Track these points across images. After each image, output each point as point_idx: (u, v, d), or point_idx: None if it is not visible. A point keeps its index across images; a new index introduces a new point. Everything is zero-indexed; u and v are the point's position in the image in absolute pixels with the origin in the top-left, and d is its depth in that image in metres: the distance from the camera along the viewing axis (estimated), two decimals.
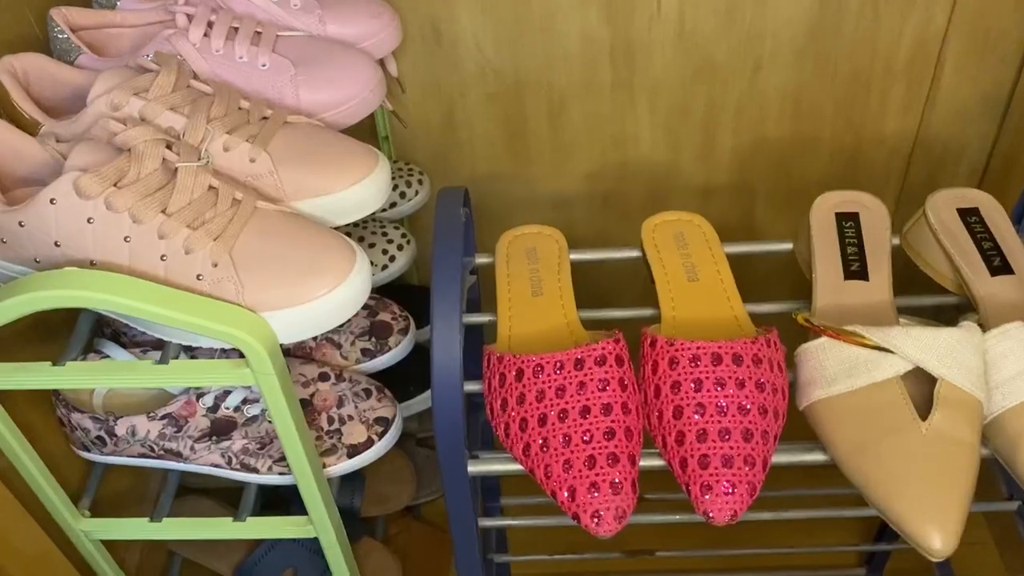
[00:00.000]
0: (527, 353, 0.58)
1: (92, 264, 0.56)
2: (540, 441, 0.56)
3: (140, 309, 0.53)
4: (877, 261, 0.66)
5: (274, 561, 0.83)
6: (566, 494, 0.54)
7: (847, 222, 0.68)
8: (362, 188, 0.63)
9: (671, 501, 0.65)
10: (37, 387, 0.62)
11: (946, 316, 0.67)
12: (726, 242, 0.69)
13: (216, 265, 0.56)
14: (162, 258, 0.55)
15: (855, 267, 0.65)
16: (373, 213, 0.66)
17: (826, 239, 0.68)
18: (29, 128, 0.62)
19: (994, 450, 0.57)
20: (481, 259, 0.71)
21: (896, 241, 0.69)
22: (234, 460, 0.68)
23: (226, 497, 0.85)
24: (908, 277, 0.69)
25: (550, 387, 0.56)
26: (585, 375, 0.56)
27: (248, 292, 0.56)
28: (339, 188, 0.62)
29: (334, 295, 0.57)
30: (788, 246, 0.71)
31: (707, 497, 0.53)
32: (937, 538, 0.52)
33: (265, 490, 0.71)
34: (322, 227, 0.60)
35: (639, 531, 0.61)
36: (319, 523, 0.67)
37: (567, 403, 0.56)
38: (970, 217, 0.67)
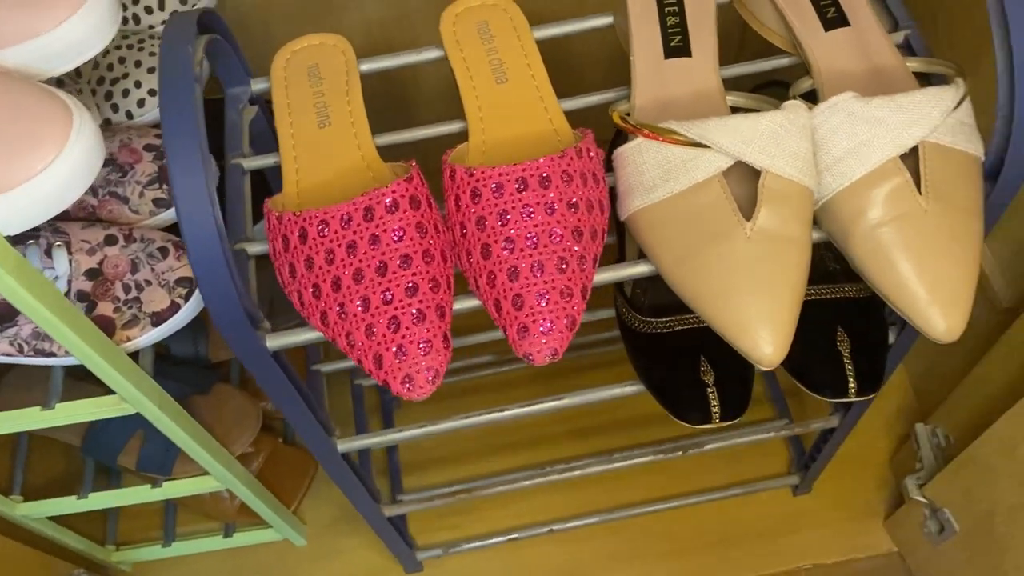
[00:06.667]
0: (311, 207, 0.51)
1: None
2: (337, 308, 0.50)
3: None
4: (701, 29, 0.58)
5: (122, 423, 0.78)
6: (372, 362, 0.49)
7: None
8: (78, 21, 0.52)
9: None
10: None
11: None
12: (537, 25, 0.61)
13: None
14: None
15: (676, 41, 0.58)
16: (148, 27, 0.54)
17: (643, 7, 0.59)
18: None
19: (828, 234, 0.53)
20: (261, 84, 0.61)
21: None
22: (26, 347, 0.61)
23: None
24: (745, 40, 0.62)
25: (339, 245, 0.50)
26: (377, 226, 0.50)
27: None
28: (46, 28, 0.51)
29: (54, 170, 0.48)
30: (608, 20, 0.62)
31: (524, 340, 0.49)
32: (767, 346, 0.49)
33: None
34: (24, 82, 0.50)
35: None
36: (132, 399, 0.62)
37: (361, 262, 0.50)
38: None
